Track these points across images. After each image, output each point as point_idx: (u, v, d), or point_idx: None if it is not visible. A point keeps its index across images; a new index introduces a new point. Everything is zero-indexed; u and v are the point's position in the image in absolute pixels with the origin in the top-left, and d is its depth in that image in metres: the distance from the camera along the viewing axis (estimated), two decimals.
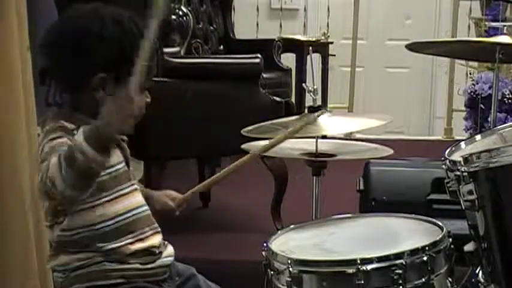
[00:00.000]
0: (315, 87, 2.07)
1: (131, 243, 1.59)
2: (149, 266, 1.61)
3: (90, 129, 1.36)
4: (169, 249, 1.69)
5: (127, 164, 1.64)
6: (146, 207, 1.65)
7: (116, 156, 1.60)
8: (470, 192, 1.66)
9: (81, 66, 1.54)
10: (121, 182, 1.60)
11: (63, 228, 1.56)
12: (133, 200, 1.62)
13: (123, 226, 1.58)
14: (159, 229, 1.67)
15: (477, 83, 4.93)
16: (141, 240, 1.61)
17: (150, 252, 1.62)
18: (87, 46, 1.54)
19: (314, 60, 2.42)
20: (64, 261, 1.58)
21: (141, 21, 1.58)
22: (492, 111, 2.71)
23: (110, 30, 1.54)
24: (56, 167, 1.37)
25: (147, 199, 1.73)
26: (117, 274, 1.57)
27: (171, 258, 1.68)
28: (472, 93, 4.93)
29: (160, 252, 1.65)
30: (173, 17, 3.93)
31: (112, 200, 1.58)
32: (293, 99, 4.30)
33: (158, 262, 1.63)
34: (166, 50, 3.26)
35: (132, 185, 1.64)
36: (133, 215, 1.61)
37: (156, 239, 1.65)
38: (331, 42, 5.65)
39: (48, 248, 1.63)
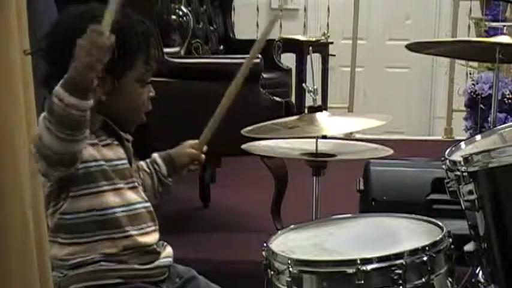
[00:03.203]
0: (315, 87, 2.07)
1: (128, 236, 1.57)
2: (147, 266, 1.60)
3: (66, 75, 1.38)
4: (168, 250, 1.68)
5: (129, 163, 1.64)
6: (147, 204, 1.64)
7: (119, 153, 1.61)
8: (470, 192, 1.66)
9: None
10: (121, 176, 1.60)
11: (63, 211, 1.55)
12: (133, 195, 1.61)
13: (122, 217, 1.57)
14: (157, 227, 1.65)
15: (477, 83, 4.94)
16: (138, 235, 1.59)
17: (147, 251, 1.61)
18: (70, 44, 1.50)
19: (314, 60, 2.42)
20: (60, 255, 1.57)
21: (134, 18, 1.59)
22: (492, 111, 2.71)
23: None
24: (42, 123, 1.40)
25: (169, 161, 1.76)
26: (115, 274, 1.56)
27: (170, 259, 1.67)
28: (472, 93, 4.93)
29: (159, 253, 1.64)
30: (173, 17, 3.93)
31: (112, 190, 1.57)
32: (293, 99, 4.30)
33: (157, 263, 1.62)
34: (166, 50, 3.26)
35: (134, 181, 1.63)
36: (133, 209, 1.59)
37: (153, 237, 1.63)
38: (331, 42, 5.66)
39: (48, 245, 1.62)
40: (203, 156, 1.79)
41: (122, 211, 1.58)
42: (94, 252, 1.56)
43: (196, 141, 1.80)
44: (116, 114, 1.60)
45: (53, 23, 1.64)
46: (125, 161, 1.62)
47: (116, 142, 1.61)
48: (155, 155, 1.78)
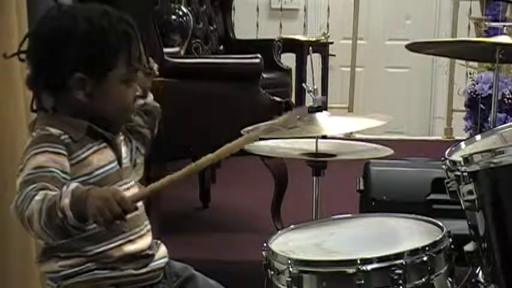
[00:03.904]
0: (315, 87, 2.07)
1: (122, 244, 1.56)
2: (142, 270, 1.59)
3: (78, 199, 1.36)
4: (162, 250, 1.66)
5: (119, 163, 1.61)
6: (139, 204, 1.63)
7: (108, 156, 1.58)
8: (470, 192, 1.66)
9: (56, 68, 1.53)
10: (112, 181, 1.56)
11: None
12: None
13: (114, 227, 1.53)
14: (149, 228, 1.64)
15: (477, 83, 4.94)
16: (131, 241, 1.57)
17: (142, 256, 1.59)
18: (59, 46, 1.52)
19: (314, 60, 2.42)
20: (54, 268, 1.55)
21: (115, 17, 1.56)
22: (492, 111, 2.71)
23: (79, 28, 1.52)
24: (37, 214, 1.37)
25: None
26: (110, 282, 1.54)
27: (165, 260, 1.65)
28: (472, 93, 4.93)
29: (153, 254, 1.62)
30: (173, 17, 3.93)
31: None
32: (293, 99, 4.30)
33: (151, 266, 1.60)
34: (166, 50, 3.26)
35: (125, 183, 1.60)
36: None
37: (147, 240, 1.61)
38: (331, 42, 5.65)
39: (39, 251, 1.60)
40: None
41: None
42: (87, 261, 1.54)
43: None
44: (101, 115, 1.57)
45: (35, 24, 1.64)
46: (115, 164, 1.59)
47: (104, 144, 1.58)
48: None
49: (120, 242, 1.56)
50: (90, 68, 1.53)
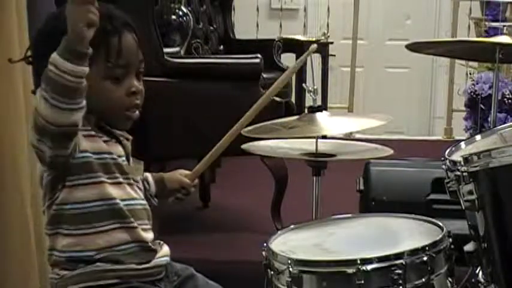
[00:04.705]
0: (315, 87, 2.07)
1: (119, 228, 1.56)
2: (144, 266, 1.60)
3: (61, 43, 1.37)
4: (165, 249, 1.68)
5: (127, 161, 1.63)
6: (142, 202, 1.64)
7: (118, 151, 1.60)
8: (470, 192, 1.66)
9: (44, 69, 1.50)
10: (121, 171, 1.59)
11: (57, 203, 1.54)
12: (129, 190, 1.60)
13: (115, 210, 1.56)
14: (150, 227, 1.65)
15: (477, 83, 4.94)
16: (130, 228, 1.58)
17: (143, 248, 1.60)
18: (44, 48, 1.51)
19: (314, 60, 2.42)
20: (58, 247, 1.56)
21: (105, 12, 1.53)
22: (492, 111, 2.71)
23: (59, 29, 1.48)
24: (38, 93, 1.38)
25: (160, 183, 1.79)
26: (112, 275, 1.55)
27: (167, 258, 1.67)
28: (472, 93, 4.93)
29: (155, 251, 1.63)
30: (173, 17, 3.93)
31: (109, 183, 1.56)
32: (293, 99, 4.30)
33: (154, 262, 1.62)
34: (166, 50, 3.26)
35: (130, 178, 1.62)
36: (127, 204, 1.58)
37: (147, 235, 1.62)
38: (331, 42, 5.66)
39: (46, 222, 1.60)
40: (193, 188, 1.84)
41: (125, 204, 1.57)
42: (98, 244, 1.55)
43: (189, 172, 1.85)
44: (97, 114, 1.57)
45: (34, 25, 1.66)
46: (124, 158, 1.61)
47: (114, 140, 1.60)
48: (147, 174, 1.79)
49: (117, 225, 1.56)
50: None
